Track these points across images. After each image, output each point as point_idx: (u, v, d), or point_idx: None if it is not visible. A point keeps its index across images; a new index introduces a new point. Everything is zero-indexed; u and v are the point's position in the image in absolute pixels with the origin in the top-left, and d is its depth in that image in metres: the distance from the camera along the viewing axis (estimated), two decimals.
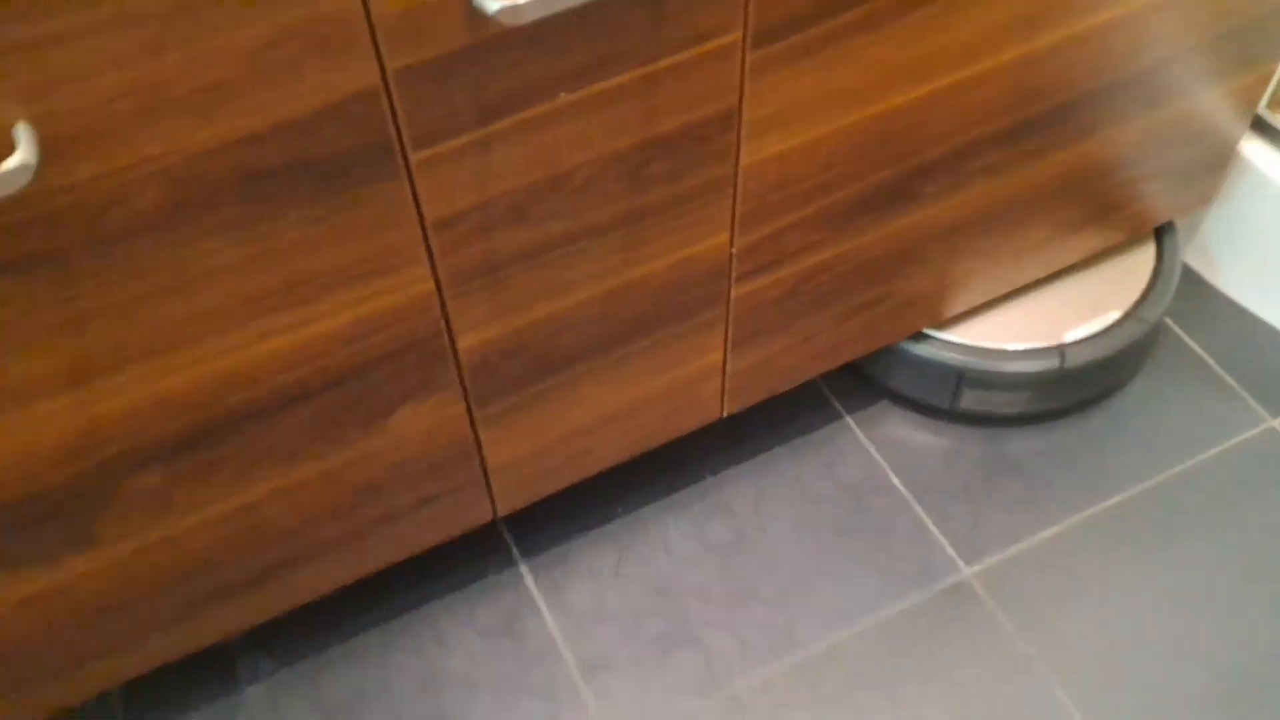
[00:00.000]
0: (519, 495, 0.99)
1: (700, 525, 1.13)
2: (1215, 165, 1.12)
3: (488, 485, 0.95)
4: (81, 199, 0.58)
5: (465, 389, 0.84)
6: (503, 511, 0.99)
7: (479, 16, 0.60)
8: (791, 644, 1.05)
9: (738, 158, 0.78)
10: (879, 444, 1.17)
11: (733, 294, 0.90)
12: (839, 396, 1.20)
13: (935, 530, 1.11)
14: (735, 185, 0.80)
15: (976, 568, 1.08)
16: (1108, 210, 1.08)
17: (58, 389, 0.65)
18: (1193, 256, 1.29)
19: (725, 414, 1.04)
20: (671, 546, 1.11)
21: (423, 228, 0.70)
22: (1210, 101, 1.02)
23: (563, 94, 0.67)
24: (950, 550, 1.10)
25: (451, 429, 0.87)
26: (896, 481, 1.14)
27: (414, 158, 0.66)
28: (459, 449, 0.89)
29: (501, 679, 1.03)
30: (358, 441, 0.82)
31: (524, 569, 1.10)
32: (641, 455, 1.07)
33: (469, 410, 0.86)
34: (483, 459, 0.92)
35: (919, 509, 1.12)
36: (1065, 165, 0.98)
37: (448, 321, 0.77)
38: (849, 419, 1.19)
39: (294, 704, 1.02)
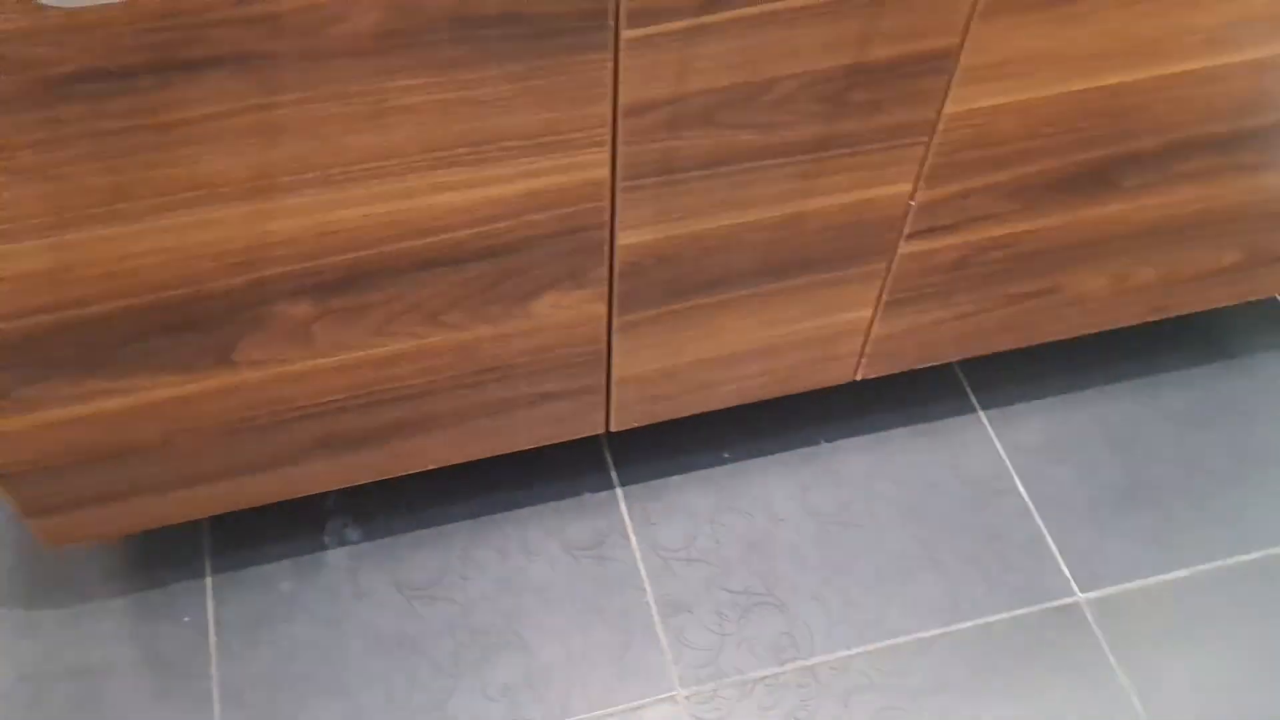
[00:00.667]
0: (635, 414, 0.97)
1: (806, 489, 1.10)
2: None
3: (608, 396, 0.94)
4: (311, 7, 0.57)
5: (611, 289, 0.82)
6: (615, 427, 0.98)
7: None
8: (879, 629, 1.01)
9: (943, 103, 0.74)
10: (1010, 447, 1.12)
11: (900, 250, 0.86)
12: (975, 388, 1.15)
13: (1053, 546, 1.06)
14: (933, 133, 0.76)
15: (1091, 594, 1.03)
16: None
17: (239, 196, 0.65)
18: None
19: (858, 377, 1.01)
20: (773, 504, 1.09)
21: (614, 109, 0.68)
22: None
23: None
24: (1066, 570, 1.05)
25: (589, 328, 0.85)
26: (1021, 488, 1.09)
27: (626, 34, 0.64)
28: (590, 352, 0.88)
29: (579, 598, 1.02)
30: (498, 319, 0.81)
31: (620, 494, 1.09)
32: (759, 404, 1.04)
33: (609, 313, 0.85)
34: (610, 368, 0.90)
35: (1040, 521, 1.07)
36: (1277, 191, 0.92)
37: (613, 215, 0.76)
38: (982, 414, 1.14)
39: (373, 577, 1.02)
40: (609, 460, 1.11)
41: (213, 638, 0.98)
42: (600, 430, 0.98)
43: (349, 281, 0.74)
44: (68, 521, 0.87)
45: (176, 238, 0.67)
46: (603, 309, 0.84)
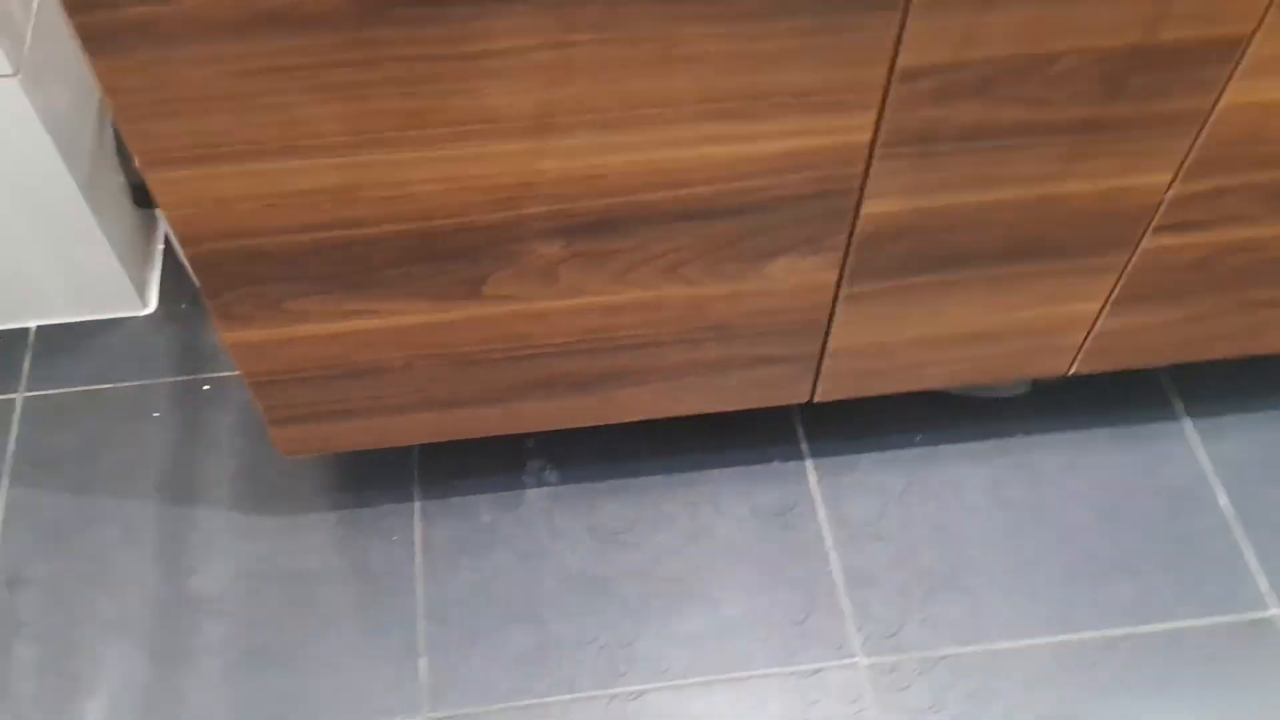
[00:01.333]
0: (841, 386, 0.98)
1: (999, 479, 1.09)
2: None
3: (818, 366, 0.95)
4: None
5: (845, 258, 0.83)
6: (820, 397, 0.99)
7: None
8: (1065, 623, 1.00)
9: (1221, 94, 0.72)
10: (1216, 459, 1.09)
11: (1143, 244, 0.84)
12: (1182, 395, 1.12)
13: (1253, 561, 1.03)
14: (1204, 124, 0.75)
15: None
16: None
17: (519, 132, 0.69)
18: None
19: (1070, 372, 0.99)
20: (964, 491, 1.08)
21: (890, 72, 0.68)
22: None
23: None
24: (1263, 585, 1.01)
25: (815, 296, 0.86)
26: (1224, 501, 1.06)
27: None
28: (812, 320, 0.89)
29: (764, 560, 1.03)
30: (732, 278, 0.83)
31: (809, 465, 1.10)
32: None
33: (838, 282, 0.85)
34: (827, 337, 0.91)
35: (1239, 535, 1.04)
36: None
37: (864, 182, 0.76)
38: (1188, 422, 1.11)
39: (568, 518, 1.06)
40: (799, 431, 1.12)
41: (418, 558, 1.03)
42: (805, 399, 0.99)
43: (601, 226, 0.77)
44: (304, 433, 0.93)
45: (455, 168, 0.71)
46: (833, 277, 0.85)
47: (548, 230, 0.76)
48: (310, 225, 0.73)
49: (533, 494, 1.08)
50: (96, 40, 0.59)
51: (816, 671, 0.98)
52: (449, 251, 0.77)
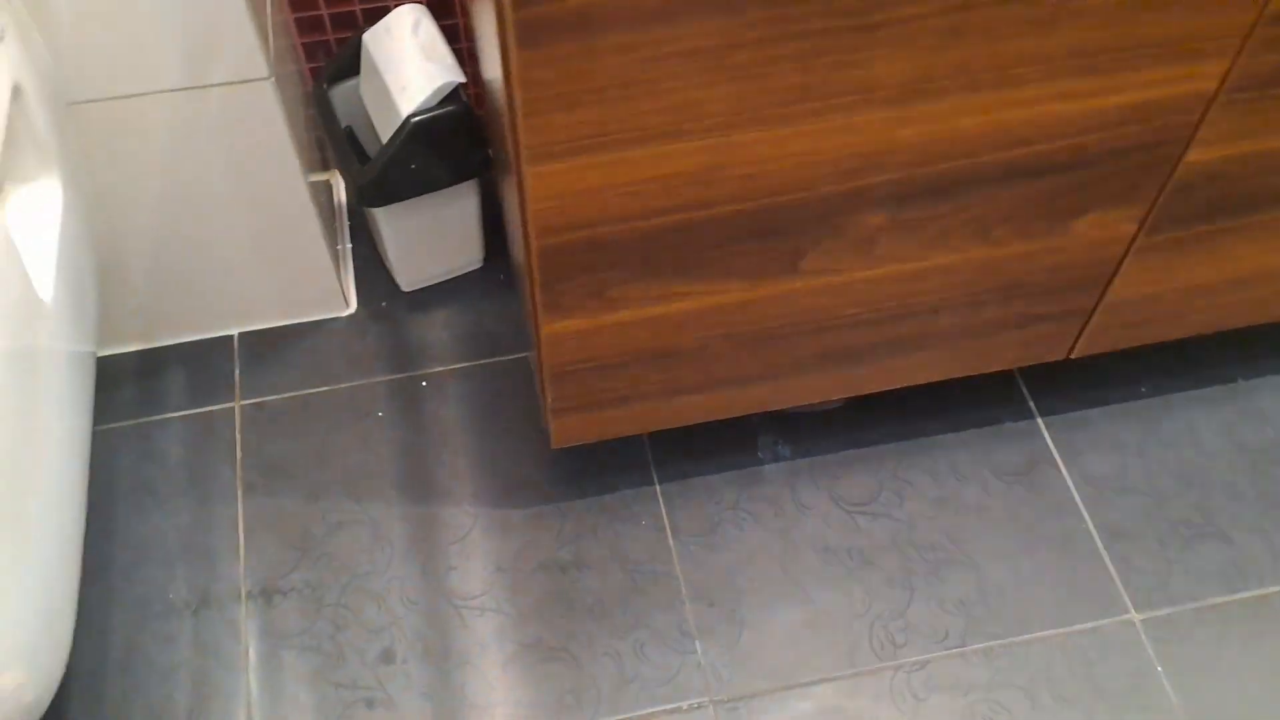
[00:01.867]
0: (1100, 341, 0.97)
1: (1231, 425, 1.09)
2: None
3: (1085, 322, 0.94)
4: None
5: (1152, 209, 0.83)
6: (1079, 353, 0.98)
7: None
8: None
9: None
10: None
11: None
12: None
13: None
14: None
15: None
16: None
17: (888, 100, 0.68)
18: None
19: None
20: (1200, 438, 1.08)
21: (1259, 15, 0.68)
22: None
23: None
24: None
25: (1110, 249, 0.86)
26: None
27: None
28: (1099, 274, 0.88)
29: (1017, 521, 1.03)
30: (1038, 235, 0.82)
31: (1040, 424, 1.10)
32: (1173, 340, 1.04)
33: (1135, 234, 0.85)
34: (1105, 291, 0.91)
35: None
36: None
37: (1196, 130, 0.76)
38: None
39: (811, 491, 1.05)
40: (1024, 390, 1.12)
41: (670, 540, 1.02)
42: (1062, 356, 0.99)
43: (930, 192, 0.76)
44: (582, 422, 0.92)
45: (821, 140, 0.70)
46: (1133, 229, 0.84)
47: (881, 199, 0.76)
48: (660, 210, 0.72)
49: (770, 469, 1.07)
50: (532, 32, 0.58)
51: (1093, 630, 0.98)
52: (777, 227, 0.76)
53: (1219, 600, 0.99)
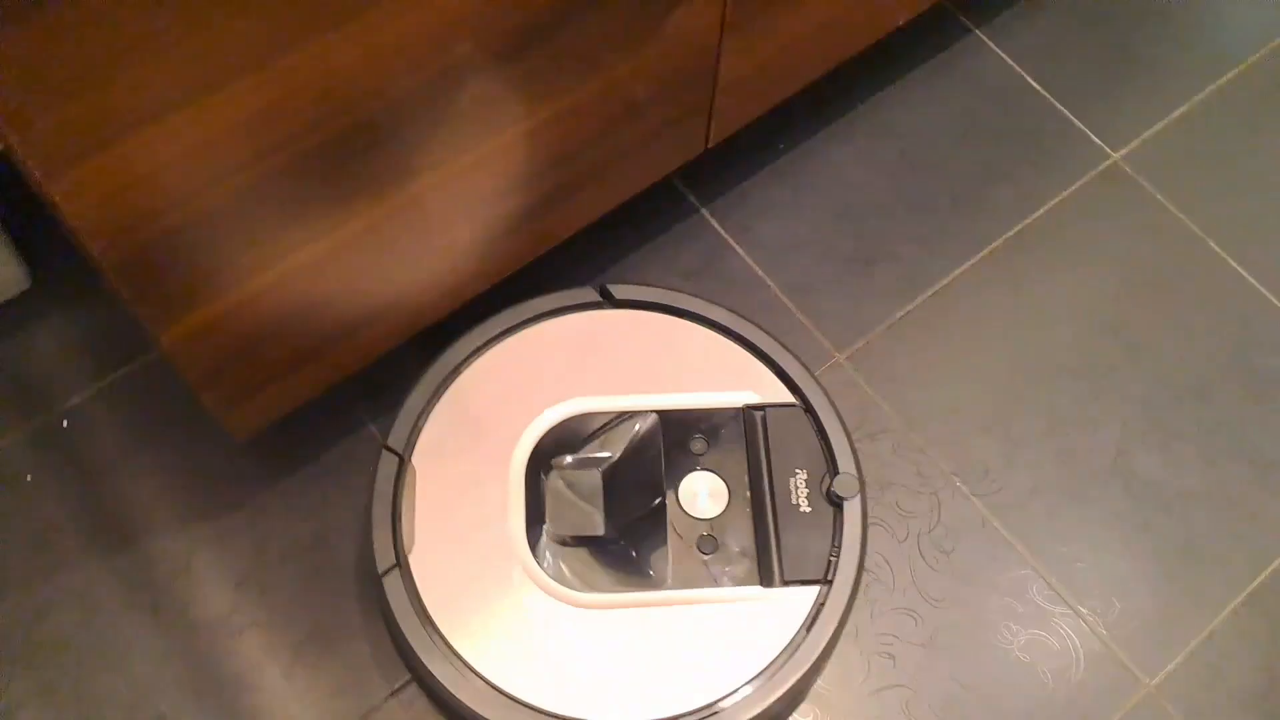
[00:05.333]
0: (731, 120, 0.98)
1: (865, 150, 1.14)
2: None
3: (710, 110, 0.94)
4: None
5: None
6: (715, 140, 0.99)
7: None
8: (979, 242, 1.10)
9: None
10: (1013, 53, 1.19)
11: None
12: (964, 11, 1.21)
13: (1079, 125, 1.16)
14: None
15: (1122, 152, 1.15)
16: None
17: None
18: None
19: (901, 24, 1.05)
20: (843, 173, 1.13)
21: None
22: None
23: None
24: (1096, 140, 1.15)
25: (705, 38, 0.84)
26: (1036, 85, 1.18)
27: None
28: (702, 63, 0.87)
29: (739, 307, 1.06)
30: (639, 47, 0.79)
31: (707, 214, 1.11)
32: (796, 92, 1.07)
33: (723, 13, 0.84)
34: (716, 76, 0.90)
35: (1061, 108, 1.17)
36: None
37: None
38: (980, 33, 1.20)
39: None
40: (682, 189, 1.12)
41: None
42: (702, 148, 0.98)
43: (519, 46, 0.71)
44: (256, 407, 0.83)
45: (383, 35, 0.62)
46: (718, 9, 0.83)
47: (467, 73, 0.69)
48: (233, 169, 0.63)
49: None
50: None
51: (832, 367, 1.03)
52: (377, 139, 0.68)
53: (903, 311, 1.07)
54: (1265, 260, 1.10)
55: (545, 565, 0.84)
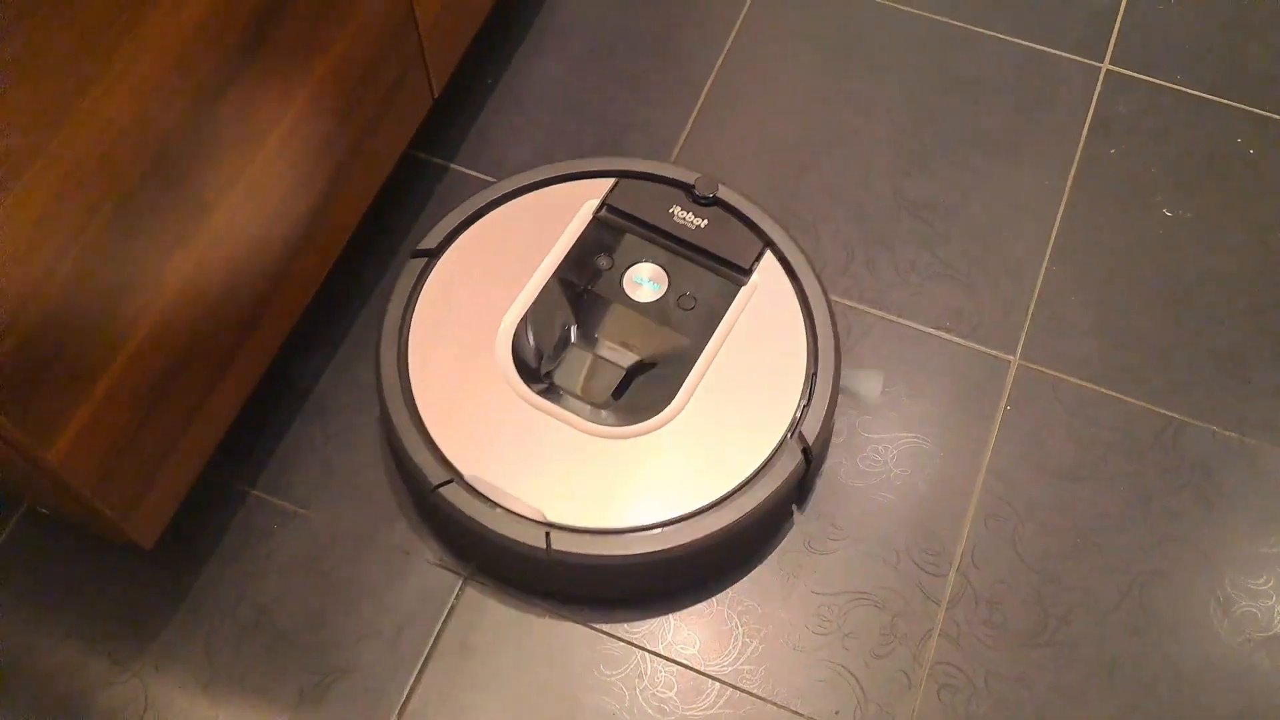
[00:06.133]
0: (443, 64, 1.02)
1: (560, 50, 1.20)
2: None
3: (424, 63, 0.97)
4: None
5: None
6: (437, 90, 1.02)
7: None
8: (703, 65, 1.18)
9: None
10: None
11: None
12: None
13: None
14: None
15: None
16: None
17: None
18: None
19: None
20: (552, 77, 1.19)
21: None
22: None
23: None
24: None
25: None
26: None
27: None
28: (400, 10, 0.90)
29: None
30: (342, 21, 0.81)
31: (460, 168, 1.14)
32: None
33: None
34: (417, 23, 0.93)
35: None
36: None
37: None
38: None
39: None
40: (426, 157, 1.14)
41: (309, 506, 0.96)
42: (430, 101, 1.01)
43: (243, 60, 0.72)
44: (154, 502, 0.81)
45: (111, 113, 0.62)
46: None
47: (216, 86, 0.70)
48: (64, 245, 0.61)
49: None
50: None
51: None
52: (173, 177, 0.68)
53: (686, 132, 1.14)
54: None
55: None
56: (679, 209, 0.99)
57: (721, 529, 0.86)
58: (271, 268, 0.84)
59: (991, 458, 1.00)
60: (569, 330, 0.95)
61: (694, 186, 0.99)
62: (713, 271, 0.97)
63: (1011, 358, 1.05)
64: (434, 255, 0.97)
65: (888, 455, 1.00)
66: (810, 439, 0.90)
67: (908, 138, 1.16)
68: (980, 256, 1.10)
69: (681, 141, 1.15)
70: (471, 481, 0.87)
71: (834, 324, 0.96)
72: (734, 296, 0.96)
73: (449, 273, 0.96)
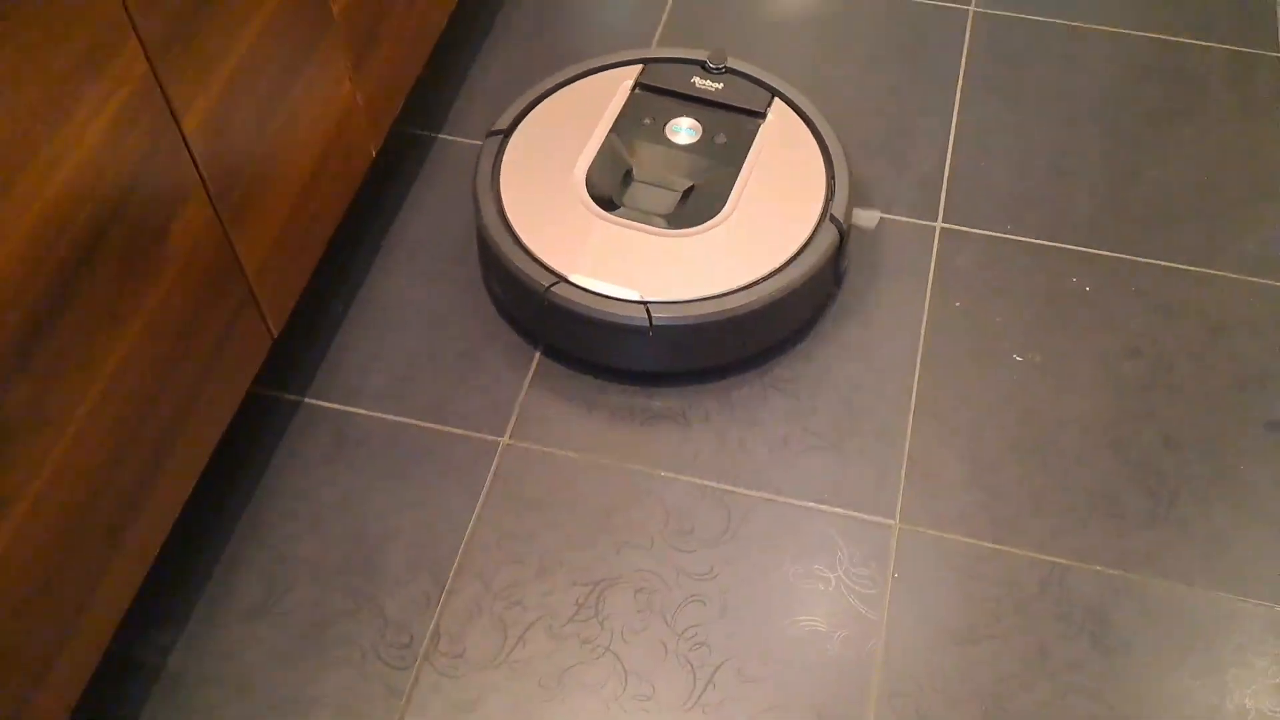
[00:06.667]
0: (280, 300, 1.00)
1: (408, 263, 1.21)
2: None
3: (256, 303, 0.96)
4: None
5: (204, 180, 0.84)
6: (276, 329, 1.00)
7: None
8: None
9: None
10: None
11: None
12: (426, 126, 1.32)
13: None
14: None
15: None
16: None
17: None
18: None
19: (374, 153, 1.12)
20: (405, 292, 1.18)
21: None
22: None
23: None
24: None
25: (211, 237, 0.86)
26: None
27: None
28: (224, 261, 0.89)
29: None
30: (158, 278, 0.80)
31: (313, 400, 1.11)
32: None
33: (215, 211, 0.86)
34: (242, 267, 0.92)
35: None
36: None
37: (168, 98, 0.78)
38: (444, 135, 1.31)
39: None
40: (275, 394, 1.12)
41: None
42: (270, 339, 1.00)
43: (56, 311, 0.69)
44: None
45: None
46: (207, 210, 0.85)
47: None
48: None
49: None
50: None
51: None
52: None
53: None
54: None
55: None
56: (698, 78, 1.22)
57: (786, 287, 1.08)
58: (95, 552, 0.79)
59: (886, 631, 0.97)
60: (630, 171, 1.17)
61: (707, 61, 1.23)
62: (736, 115, 1.20)
63: (892, 521, 1.04)
64: (506, 134, 1.19)
65: (781, 643, 0.97)
66: (841, 218, 1.13)
67: None
68: (848, 423, 1.10)
69: (533, 367, 1.15)
70: (575, 281, 1.07)
71: (839, 139, 1.19)
72: (755, 132, 1.19)
73: (522, 142, 1.18)
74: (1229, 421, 1.10)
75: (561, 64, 1.26)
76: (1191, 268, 1.21)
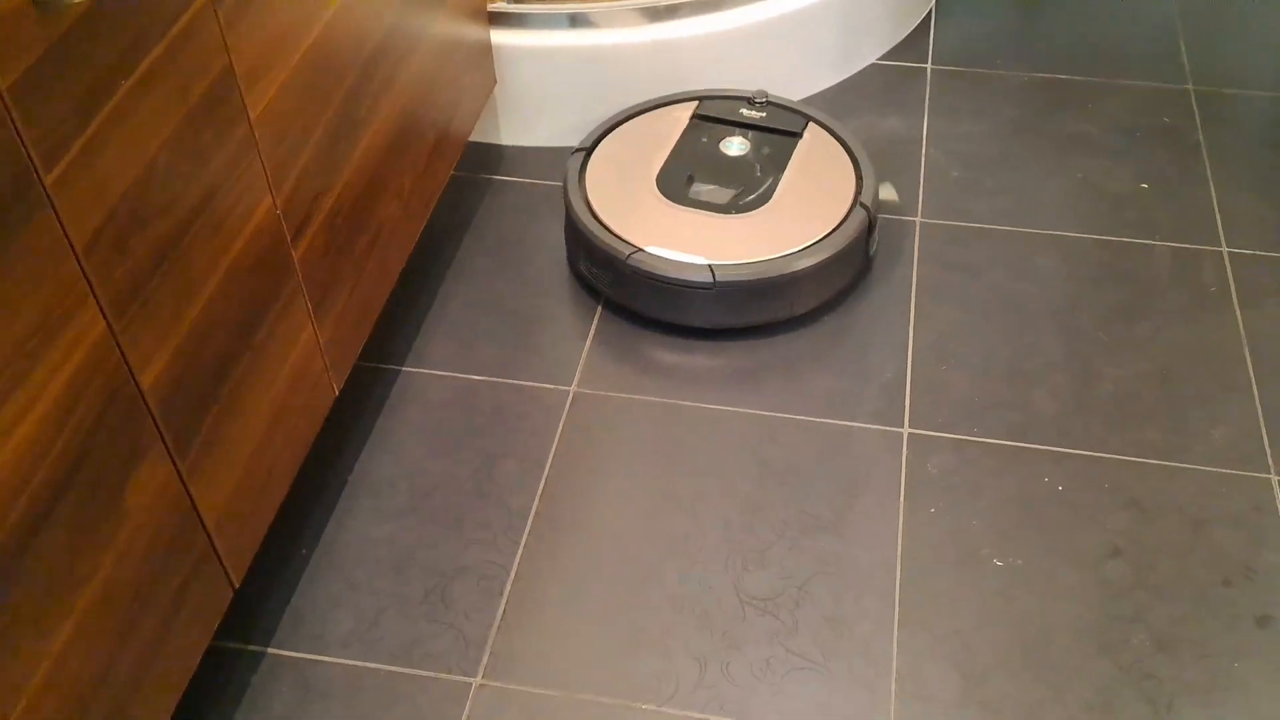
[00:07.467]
0: (241, 552, 0.98)
1: (372, 509, 1.19)
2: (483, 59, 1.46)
3: (217, 555, 0.93)
4: None
5: (162, 435, 0.83)
6: (237, 580, 0.97)
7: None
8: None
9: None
10: (438, 363, 1.33)
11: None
12: (390, 360, 1.33)
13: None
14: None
15: None
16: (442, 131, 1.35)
17: None
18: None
19: (338, 393, 1.12)
20: (368, 533, 1.16)
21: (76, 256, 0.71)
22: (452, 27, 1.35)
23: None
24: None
25: (170, 493, 0.85)
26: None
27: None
28: (181, 515, 0.87)
29: None
30: (112, 537, 0.78)
31: (277, 650, 1.07)
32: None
33: (174, 464, 0.85)
34: (202, 520, 0.90)
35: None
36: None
37: (125, 356, 0.78)
38: (407, 367, 1.32)
39: None
40: (239, 648, 1.07)
41: None
42: (231, 591, 0.96)
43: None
44: None
45: None
46: (168, 466, 0.84)
47: None
48: None
49: None
50: None
51: None
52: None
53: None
54: None
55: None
56: (744, 109, 1.51)
57: (826, 253, 1.34)
58: None
59: None
60: (692, 175, 1.43)
61: (753, 98, 1.51)
62: (777, 135, 1.48)
63: None
64: (589, 151, 1.47)
65: None
66: (869, 205, 1.39)
67: (739, 534, 1.15)
68: (831, 642, 1.07)
69: (512, 576, 1.12)
70: (651, 251, 1.33)
71: (865, 150, 1.46)
72: (794, 145, 1.47)
73: (602, 156, 1.46)
74: (1218, 620, 1.07)
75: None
76: (1164, 462, 1.21)
